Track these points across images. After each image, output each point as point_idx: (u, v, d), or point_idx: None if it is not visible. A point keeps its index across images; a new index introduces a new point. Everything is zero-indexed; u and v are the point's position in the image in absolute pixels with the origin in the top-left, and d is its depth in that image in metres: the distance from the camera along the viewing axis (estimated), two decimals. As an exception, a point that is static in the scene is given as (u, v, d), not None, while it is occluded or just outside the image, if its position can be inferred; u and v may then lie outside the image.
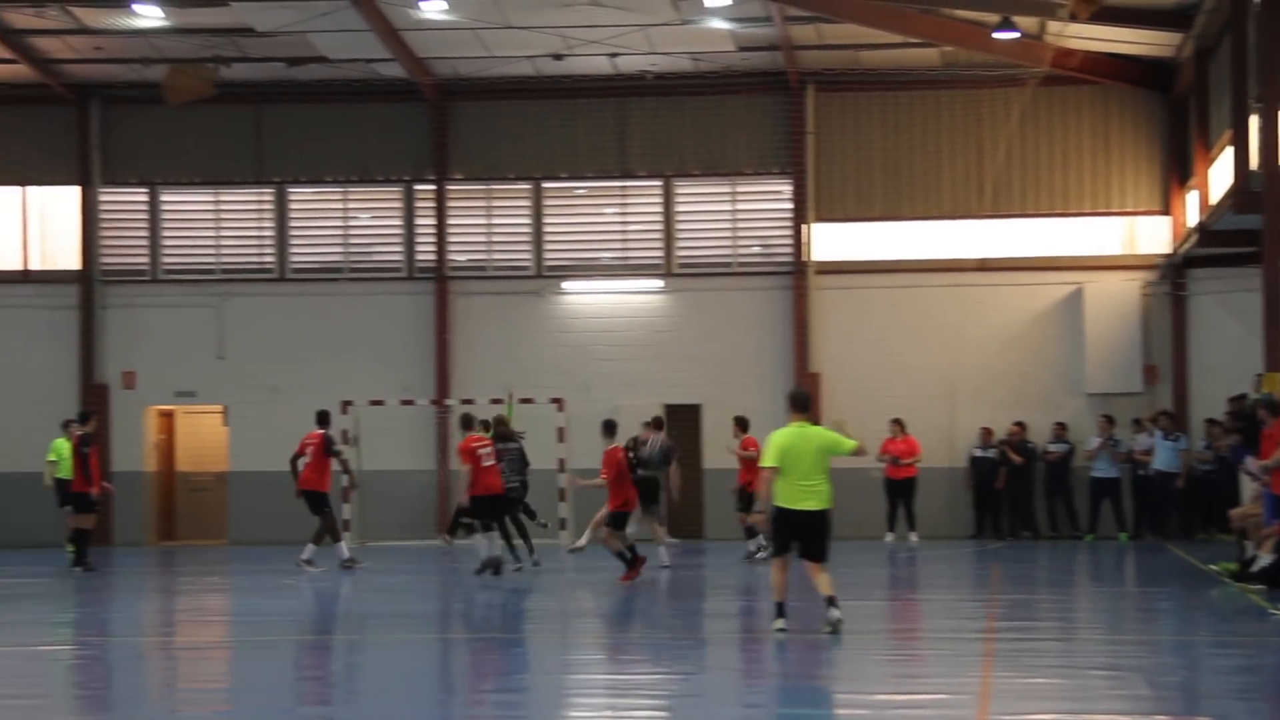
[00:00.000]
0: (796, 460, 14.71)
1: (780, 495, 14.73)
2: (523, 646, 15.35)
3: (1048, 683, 12.50)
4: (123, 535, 29.88)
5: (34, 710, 11.96)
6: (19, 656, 14.52)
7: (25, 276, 30.75)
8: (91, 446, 23.94)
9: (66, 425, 25.90)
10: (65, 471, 25.15)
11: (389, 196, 30.80)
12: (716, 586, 21.83)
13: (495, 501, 22.23)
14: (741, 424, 24.93)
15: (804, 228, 29.87)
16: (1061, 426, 28.67)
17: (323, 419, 24.07)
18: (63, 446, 25.49)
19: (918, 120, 29.83)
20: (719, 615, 18.22)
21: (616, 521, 21.46)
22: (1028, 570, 23.49)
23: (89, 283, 30.55)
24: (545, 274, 30.42)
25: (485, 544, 22.07)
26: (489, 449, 22.34)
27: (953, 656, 13.88)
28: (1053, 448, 28.63)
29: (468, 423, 22.73)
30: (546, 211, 30.57)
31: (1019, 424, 28.91)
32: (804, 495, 14.70)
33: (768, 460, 14.86)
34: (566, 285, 30.35)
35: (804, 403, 15.24)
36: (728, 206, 30.43)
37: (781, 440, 14.83)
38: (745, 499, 24.24)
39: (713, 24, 27.28)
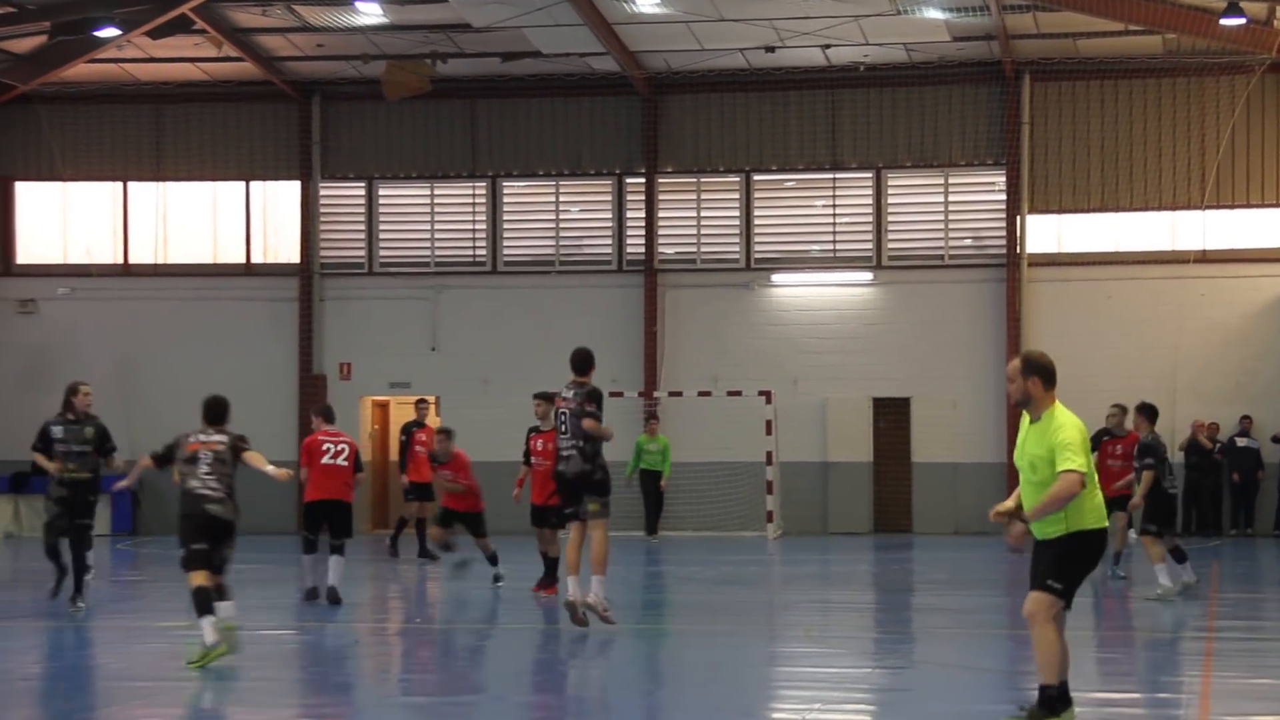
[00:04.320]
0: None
1: (1089, 510, 9.51)
2: (729, 638, 15.32)
3: (1272, 684, 12.13)
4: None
5: (258, 691, 12.30)
6: (252, 640, 14.88)
7: (248, 270, 31.59)
8: (414, 434, 23.46)
9: None
10: None
11: (600, 189, 31.03)
12: (925, 580, 21.59)
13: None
14: (447, 434, 20.54)
15: (1018, 219, 29.42)
16: None
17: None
18: None
19: (1138, 109, 29.19)
20: (927, 610, 18.01)
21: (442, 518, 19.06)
22: (1249, 568, 22.83)
23: (308, 275, 31.26)
24: (754, 266, 30.38)
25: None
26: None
27: (1172, 655, 13.55)
28: None
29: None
30: (756, 204, 30.53)
31: (1246, 418, 28.28)
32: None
33: (1084, 460, 9.44)
34: (776, 278, 30.27)
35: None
36: (939, 198, 30.10)
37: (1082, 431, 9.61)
38: (449, 518, 19.83)
39: (928, 14, 26.98)
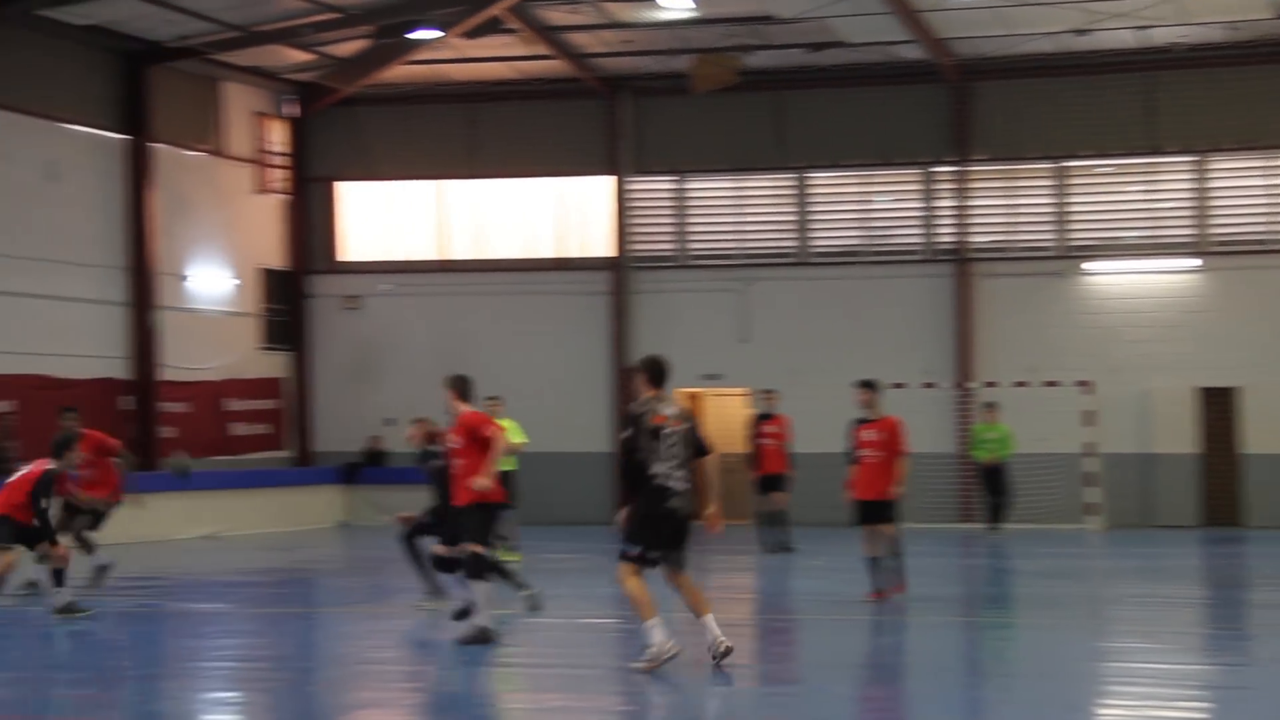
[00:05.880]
0: None
1: None
2: (1054, 632, 14.99)
3: None
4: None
5: (579, 679, 12.48)
6: (567, 629, 15.14)
7: (561, 264, 32.13)
8: (761, 425, 23.25)
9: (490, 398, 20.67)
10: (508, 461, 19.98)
11: (908, 179, 30.69)
12: (1260, 575, 20.81)
13: None
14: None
15: (1351, 201, 28.15)
16: None
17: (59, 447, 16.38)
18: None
19: None
20: (1263, 605, 17.35)
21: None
22: None
23: (620, 269, 31.64)
24: (1068, 254, 29.70)
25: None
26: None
27: None
28: None
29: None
30: (1070, 191, 29.84)
31: None
32: None
33: None
34: (1090, 265, 29.54)
35: None
36: (1268, 181, 28.98)
37: None
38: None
39: (1252, -11, 26.00)
